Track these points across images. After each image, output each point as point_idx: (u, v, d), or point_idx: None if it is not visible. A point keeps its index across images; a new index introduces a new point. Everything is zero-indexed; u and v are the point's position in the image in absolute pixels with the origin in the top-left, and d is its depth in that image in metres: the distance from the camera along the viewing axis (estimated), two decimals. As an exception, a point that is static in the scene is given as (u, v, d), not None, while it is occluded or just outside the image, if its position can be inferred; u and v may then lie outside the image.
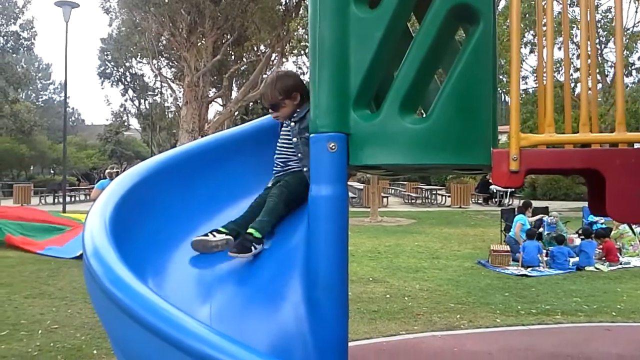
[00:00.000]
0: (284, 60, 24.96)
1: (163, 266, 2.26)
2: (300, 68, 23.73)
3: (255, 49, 25.72)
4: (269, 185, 2.62)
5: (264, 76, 25.33)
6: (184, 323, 1.53)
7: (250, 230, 2.29)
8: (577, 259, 10.00)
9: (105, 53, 41.15)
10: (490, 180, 25.59)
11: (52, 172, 46.43)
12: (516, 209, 13.61)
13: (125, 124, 46.10)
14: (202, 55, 23.43)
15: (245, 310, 2.17)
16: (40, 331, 5.67)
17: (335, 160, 2.18)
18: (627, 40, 20.33)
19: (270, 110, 2.67)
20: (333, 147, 2.17)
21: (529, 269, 9.50)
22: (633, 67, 22.97)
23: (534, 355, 5.11)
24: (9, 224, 11.54)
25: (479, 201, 25.66)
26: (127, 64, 39.79)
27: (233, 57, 27.64)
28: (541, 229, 12.08)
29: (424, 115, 2.25)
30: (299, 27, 19.76)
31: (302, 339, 2.15)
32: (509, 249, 10.26)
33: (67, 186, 26.67)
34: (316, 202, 2.20)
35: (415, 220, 18.03)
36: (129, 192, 2.35)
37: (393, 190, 31.24)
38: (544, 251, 10.33)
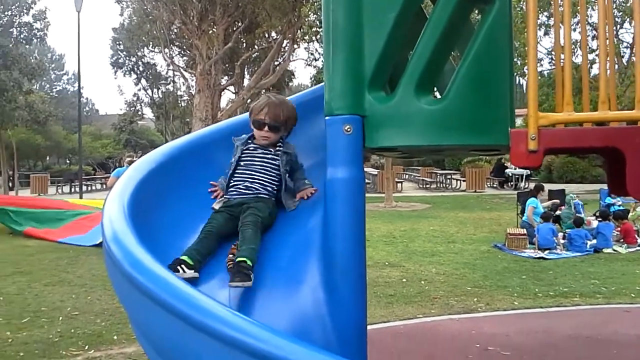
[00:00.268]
0: (295, 46, 24.88)
1: (181, 250, 2.27)
2: (312, 54, 23.62)
3: (267, 35, 25.66)
4: (217, 207, 2.47)
5: (276, 63, 25.31)
6: (204, 305, 1.55)
7: (243, 259, 2.16)
8: (594, 241, 9.93)
9: (118, 42, 41.26)
10: (505, 164, 25.49)
11: (67, 162, 46.93)
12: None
13: (139, 113, 46.35)
14: (214, 43, 23.41)
15: (263, 293, 2.18)
16: (60, 318, 5.76)
17: (351, 143, 2.17)
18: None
19: (267, 128, 2.52)
20: (348, 130, 2.16)
21: (546, 252, 9.45)
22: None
23: (552, 337, 5.09)
24: (24, 213, 11.69)
25: (494, 185, 25.49)
26: (140, 53, 39.89)
27: (244, 44, 27.59)
28: (558, 212, 11.99)
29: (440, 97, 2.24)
30: (310, 12, 19.63)
31: (321, 321, 2.16)
32: (525, 232, 10.21)
33: (84, 175, 26.93)
34: (332, 184, 2.19)
35: (430, 205, 17.98)
36: (147, 177, 2.36)
37: (407, 176, 31.15)
38: (561, 234, 10.27)
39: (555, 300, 6.45)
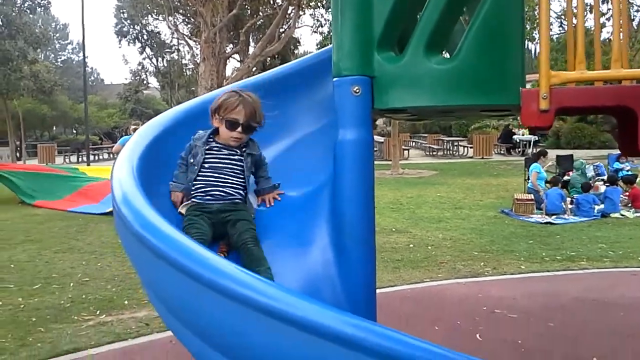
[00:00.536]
0: (300, 13, 24.52)
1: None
2: (318, 20, 23.29)
3: (272, 2, 25.28)
4: (184, 211, 2.34)
5: (281, 30, 25.00)
6: (215, 263, 1.55)
7: None
8: (602, 206, 9.91)
9: (121, 11, 40.87)
10: (513, 130, 25.32)
11: (74, 131, 47.00)
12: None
13: (144, 82, 46.18)
14: (218, 10, 23.08)
15: (275, 254, 2.20)
16: (71, 284, 5.83)
17: (360, 104, 2.15)
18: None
19: (240, 129, 2.37)
20: (357, 91, 2.13)
21: (553, 217, 9.46)
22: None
23: (559, 300, 5.13)
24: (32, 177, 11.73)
25: (502, 151, 25.36)
26: (144, 22, 39.53)
27: (249, 11, 27.23)
28: (566, 177, 11.95)
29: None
30: (315, -23, 19.30)
31: (331, 282, 2.18)
32: (532, 197, 10.20)
33: (90, 145, 27.00)
34: (341, 146, 2.18)
35: (437, 172, 17.95)
36: (154, 141, 2.36)
37: (414, 143, 31.03)
38: (568, 199, 10.25)
39: (562, 264, 6.47)
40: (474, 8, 2.17)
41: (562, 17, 25.73)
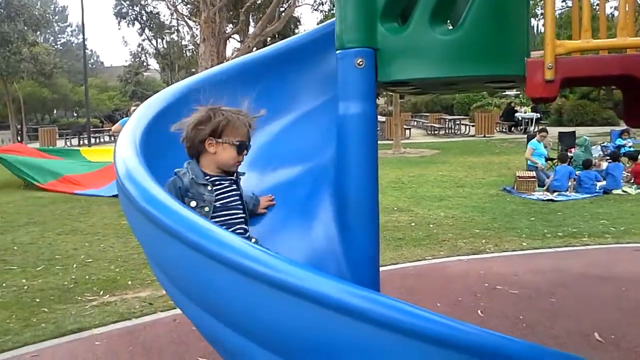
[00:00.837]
0: (300, -9, 24.28)
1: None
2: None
3: (271, -20, 24.98)
4: None
5: (281, 9, 24.78)
6: (220, 236, 1.55)
7: None
8: (604, 182, 9.90)
9: (120, -9, 40.51)
10: (515, 108, 25.21)
11: (75, 115, 46.90)
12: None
13: (144, 64, 45.96)
14: (218, -11, 22.84)
15: (280, 229, 2.20)
16: (75, 265, 5.86)
17: (363, 77, 2.13)
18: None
19: (246, 151, 2.19)
20: (361, 63, 2.11)
21: (555, 194, 9.46)
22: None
23: (561, 276, 5.15)
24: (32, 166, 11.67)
25: (504, 129, 25.30)
26: (143, 2, 39.20)
27: (249, -11, 26.93)
28: (568, 154, 11.93)
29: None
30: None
31: (335, 256, 2.18)
32: (534, 174, 10.19)
33: (91, 128, 26.96)
34: (345, 120, 2.17)
35: (438, 151, 17.92)
36: (157, 116, 2.34)
37: (415, 122, 30.93)
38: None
39: (564, 240, 6.49)
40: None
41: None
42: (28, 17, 26.83)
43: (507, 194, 9.76)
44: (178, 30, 40.71)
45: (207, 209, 2.07)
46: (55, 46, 54.52)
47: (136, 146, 2.07)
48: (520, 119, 24.94)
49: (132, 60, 46.13)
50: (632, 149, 12.44)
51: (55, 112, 46.67)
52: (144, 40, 43.46)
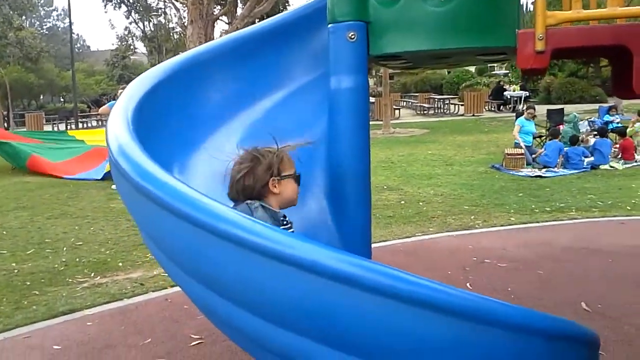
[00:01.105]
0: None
1: (186, 165, 2.28)
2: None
3: (258, -40, 24.68)
4: None
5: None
6: (214, 208, 1.55)
7: None
8: (591, 158, 9.99)
9: (105, -27, 39.85)
10: (504, 87, 25.22)
11: (61, 100, 46.35)
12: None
13: (131, 47, 45.40)
14: (204, -31, 22.55)
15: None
16: (65, 248, 5.84)
17: (355, 50, 2.13)
18: None
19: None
20: (352, 37, 2.11)
21: (544, 170, 9.54)
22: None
23: (550, 248, 5.22)
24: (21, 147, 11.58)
25: (493, 108, 25.33)
26: (128, -16, 38.65)
27: (235, -30, 26.64)
28: (559, 127, 11.96)
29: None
30: None
31: (327, 228, 2.21)
32: (522, 152, 10.25)
33: (79, 113, 26.69)
34: (337, 94, 2.18)
35: (428, 130, 17.95)
36: (148, 94, 2.33)
37: (405, 102, 30.87)
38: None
39: (552, 215, 6.56)
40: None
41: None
42: (13, 1, 26.40)
43: (496, 171, 9.83)
44: (165, 13, 40.25)
45: None
46: (41, 31, 53.67)
47: (129, 123, 2.06)
48: (509, 97, 24.97)
49: (119, 43, 45.57)
50: (619, 124, 12.53)
51: (42, 97, 46.04)
52: (130, 23, 43.01)
